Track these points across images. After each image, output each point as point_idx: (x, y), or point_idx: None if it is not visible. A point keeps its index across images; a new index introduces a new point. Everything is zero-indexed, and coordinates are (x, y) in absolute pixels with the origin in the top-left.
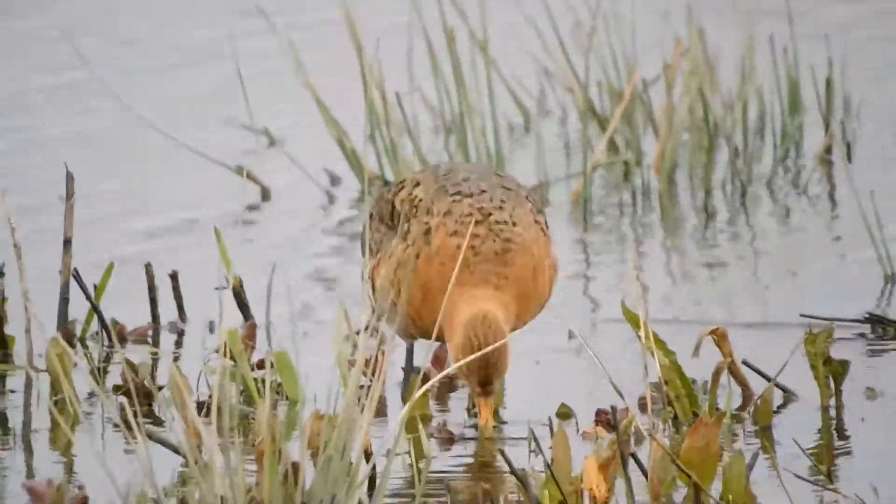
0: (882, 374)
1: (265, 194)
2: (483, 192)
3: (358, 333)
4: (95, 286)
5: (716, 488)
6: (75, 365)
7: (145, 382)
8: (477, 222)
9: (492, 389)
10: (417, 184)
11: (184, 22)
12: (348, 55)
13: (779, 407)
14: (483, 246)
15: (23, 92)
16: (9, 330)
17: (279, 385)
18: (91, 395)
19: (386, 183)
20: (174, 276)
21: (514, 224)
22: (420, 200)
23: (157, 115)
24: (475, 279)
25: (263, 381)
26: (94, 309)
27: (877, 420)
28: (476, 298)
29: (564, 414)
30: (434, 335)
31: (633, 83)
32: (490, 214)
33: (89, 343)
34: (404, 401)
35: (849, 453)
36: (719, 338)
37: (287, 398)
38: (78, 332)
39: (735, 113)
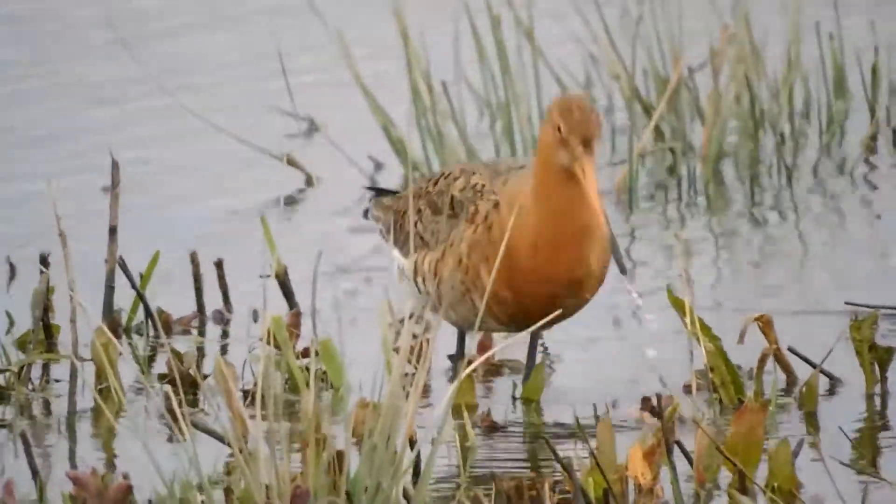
0: None
1: (309, 181)
2: (522, 166)
3: (402, 321)
4: (141, 275)
5: (761, 475)
6: (120, 354)
7: (191, 371)
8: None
9: (593, 149)
10: (474, 173)
11: (229, 8)
12: (394, 42)
13: (824, 394)
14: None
15: (59, 81)
16: (55, 319)
17: (324, 373)
18: (136, 384)
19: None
20: (219, 265)
21: None
22: (483, 186)
23: (200, 103)
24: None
25: (308, 369)
26: (140, 298)
27: None
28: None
29: (610, 402)
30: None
31: (680, 70)
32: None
33: (134, 333)
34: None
35: (894, 440)
36: (764, 325)
37: (332, 386)
38: (123, 322)
39: (781, 99)
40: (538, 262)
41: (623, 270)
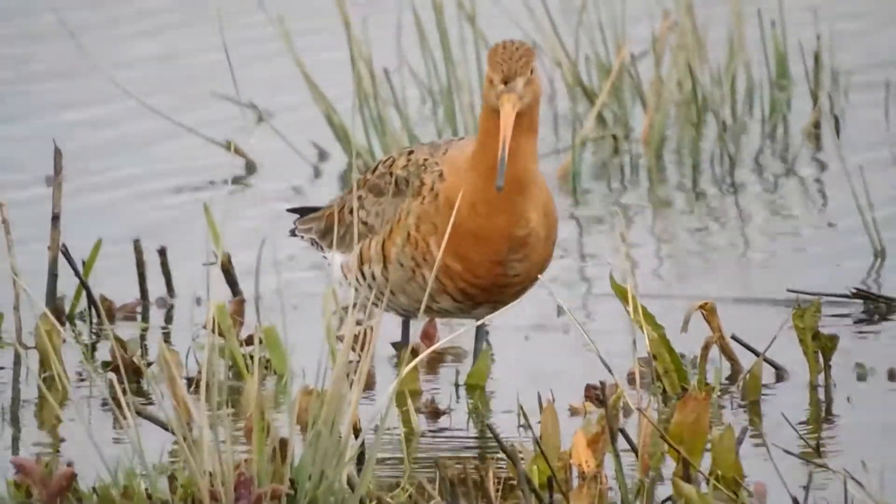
0: (870, 350)
1: (250, 167)
2: (459, 139)
3: (346, 309)
4: (84, 262)
5: (705, 463)
6: (64, 341)
7: (134, 359)
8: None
9: (515, 85)
10: (411, 152)
11: None
12: (336, 29)
13: (768, 382)
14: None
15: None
16: None
17: (268, 360)
18: (80, 372)
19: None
20: (162, 252)
21: None
22: (426, 160)
23: (143, 89)
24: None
25: (252, 356)
26: (83, 285)
27: (865, 395)
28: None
29: (553, 390)
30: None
31: (622, 57)
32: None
33: (78, 320)
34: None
35: (837, 428)
36: (708, 313)
37: (276, 373)
38: (67, 309)
39: (723, 87)
40: (478, 221)
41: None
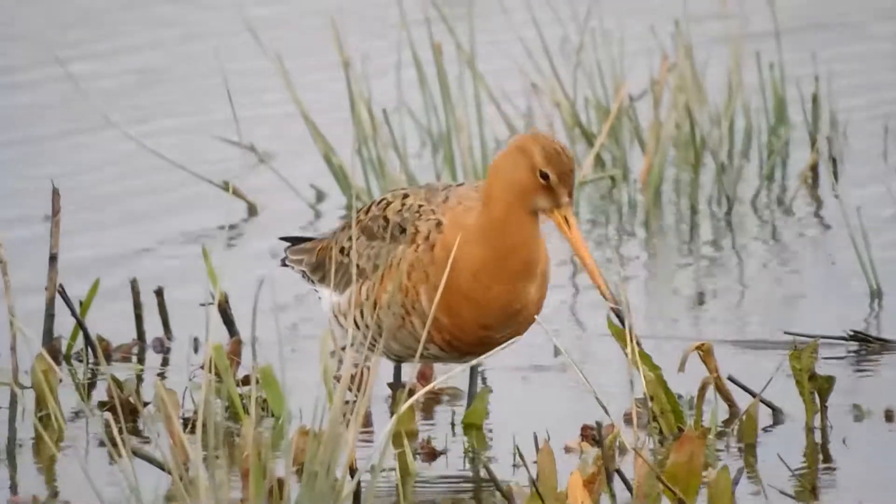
0: (867, 391)
1: (252, 210)
2: (458, 186)
3: (344, 349)
4: (81, 302)
5: (700, 503)
6: (61, 381)
7: (131, 399)
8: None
9: (573, 199)
10: (406, 195)
11: (171, 35)
12: (336, 71)
13: (764, 423)
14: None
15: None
16: None
17: (264, 401)
18: (76, 411)
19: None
20: (159, 293)
21: None
22: (421, 206)
23: (142, 130)
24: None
25: (249, 397)
26: (80, 325)
27: (861, 437)
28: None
29: (551, 430)
30: (455, 332)
31: (621, 98)
32: (466, 195)
33: (74, 360)
34: (392, 415)
35: (834, 471)
36: (705, 353)
37: (272, 414)
38: (63, 349)
39: (722, 129)
40: (477, 289)
41: (622, 323)
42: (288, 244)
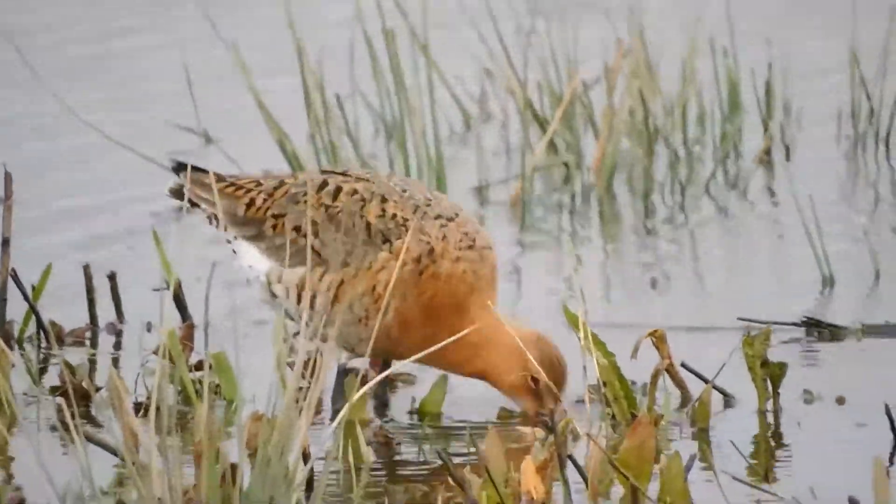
0: (819, 377)
1: None
2: (456, 214)
3: (297, 335)
4: (33, 287)
5: (653, 489)
6: (13, 366)
7: (83, 384)
8: (469, 247)
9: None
10: (384, 198)
11: (125, 18)
12: (290, 56)
13: (717, 409)
14: (482, 271)
15: None
16: None
17: (217, 386)
18: (29, 396)
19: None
20: (112, 277)
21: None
22: (406, 220)
23: (94, 114)
24: (479, 302)
25: (202, 382)
26: (33, 310)
27: (813, 422)
28: (497, 322)
29: (504, 416)
30: (399, 353)
31: (574, 85)
32: (474, 240)
33: (27, 344)
34: (334, 404)
35: (786, 455)
36: (658, 340)
37: (225, 399)
38: (16, 333)
39: (675, 115)
40: (437, 328)
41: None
42: (176, 166)
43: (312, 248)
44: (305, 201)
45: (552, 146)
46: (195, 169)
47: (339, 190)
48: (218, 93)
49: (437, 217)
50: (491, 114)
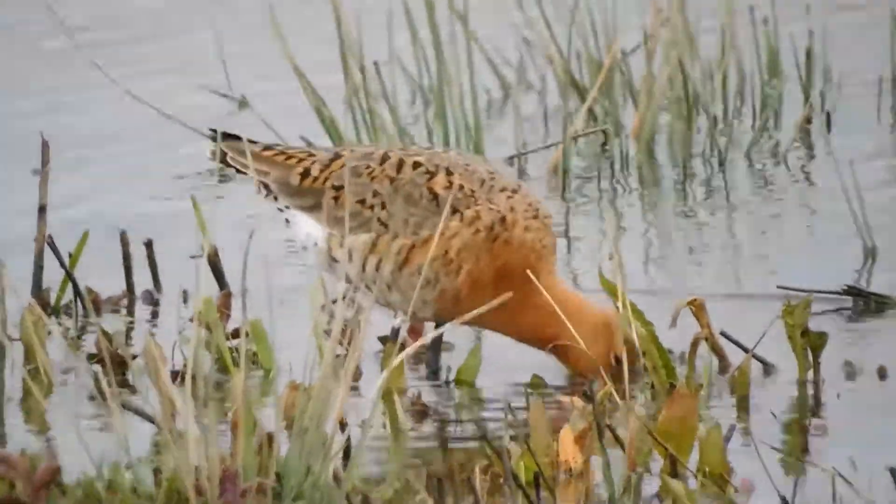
0: (860, 348)
1: None
2: (519, 186)
3: (335, 302)
4: (70, 254)
5: (693, 459)
6: (49, 333)
7: (120, 351)
8: (534, 217)
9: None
10: (449, 171)
11: None
12: (328, 24)
13: (756, 378)
14: (547, 239)
15: None
16: None
17: (254, 354)
18: (65, 364)
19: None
20: (149, 245)
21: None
22: (473, 191)
23: (133, 82)
24: (547, 266)
25: (238, 350)
26: (69, 277)
27: (854, 393)
28: (569, 295)
29: (537, 384)
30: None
31: (613, 53)
32: (538, 210)
33: (63, 313)
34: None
35: (826, 427)
36: (697, 309)
37: (262, 367)
38: (52, 301)
39: (715, 83)
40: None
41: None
42: (213, 133)
43: (378, 219)
44: (368, 173)
45: (591, 114)
46: (237, 137)
47: (401, 162)
48: (254, 59)
49: (503, 189)
50: (529, 82)
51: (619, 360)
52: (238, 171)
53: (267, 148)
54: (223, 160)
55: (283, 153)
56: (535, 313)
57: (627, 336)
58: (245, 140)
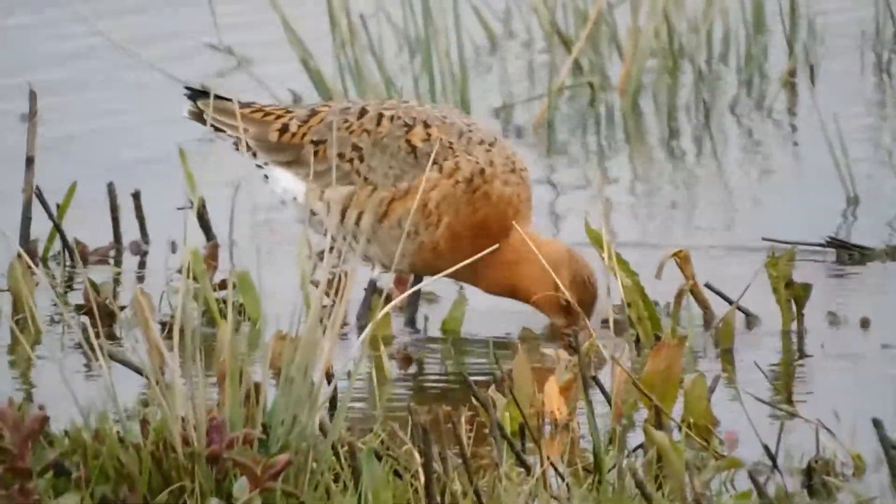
0: (843, 299)
1: None
2: (495, 139)
3: (321, 254)
4: (58, 205)
5: (677, 410)
6: (37, 284)
7: (107, 302)
8: (511, 171)
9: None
10: (427, 124)
11: None
12: None
13: (741, 330)
14: (524, 193)
15: None
16: None
17: (241, 305)
18: (53, 315)
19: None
20: (136, 196)
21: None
22: (451, 143)
23: (122, 35)
24: (524, 220)
25: (226, 301)
26: (57, 228)
27: (837, 343)
28: (530, 239)
29: (527, 338)
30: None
31: (599, 5)
32: (514, 163)
33: (51, 263)
34: (358, 321)
35: (809, 376)
36: (682, 260)
37: (249, 318)
38: (40, 252)
39: (700, 35)
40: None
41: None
42: (189, 92)
43: (358, 171)
44: (347, 128)
45: (577, 66)
46: (215, 96)
47: (380, 116)
48: (241, 11)
49: (481, 142)
50: (515, 33)
51: (566, 300)
52: (216, 129)
53: (244, 105)
54: (201, 119)
55: (260, 110)
56: (494, 265)
57: (585, 273)
58: (236, 100)
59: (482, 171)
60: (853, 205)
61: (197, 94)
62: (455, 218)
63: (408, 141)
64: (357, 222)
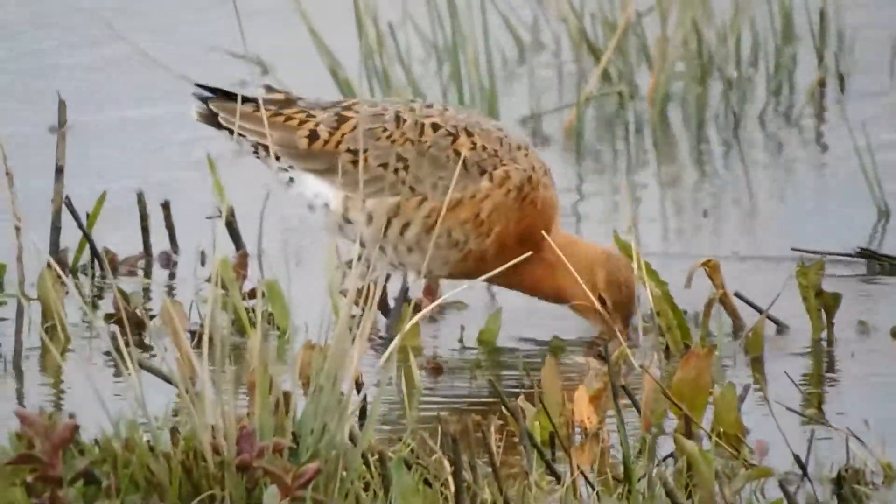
0: (873, 309)
1: None
2: (526, 143)
3: (349, 263)
4: (88, 215)
5: (707, 419)
6: (67, 293)
7: (137, 312)
8: (545, 174)
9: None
10: (469, 133)
11: None
12: None
13: (770, 339)
14: (555, 195)
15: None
16: (1, 258)
17: (271, 315)
18: (82, 324)
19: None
20: (166, 206)
21: None
22: (496, 151)
23: (150, 45)
24: (558, 223)
25: (255, 310)
26: (87, 238)
27: (867, 353)
28: (570, 241)
29: (557, 347)
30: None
31: (628, 14)
32: (544, 165)
33: (80, 273)
34: (388, 330)
35: (839, 386)
36: (711, 269)
37: (278, 328)
38: (70, 262)
39: (728, 44)
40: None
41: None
42: (202, 91)
43: (404, 181)
44: (388, 136)
45: (606, 76)
46: (230, 95)
47: (420, 125)
48: (268, 20)
49: (518, 147)
50: (543, 43)
51: (603, 301)
52: (231, 132)
53: (245, 101)
54: (215, 122)
55: (279, 114)
56: (535, 268)
57: (621, 276)
58: (261, 100)
59: (530, 179)
60: (883, 215)
61: (212, 95)
62: (505, 226)
63: (455, 151)
64: (402, 232)
